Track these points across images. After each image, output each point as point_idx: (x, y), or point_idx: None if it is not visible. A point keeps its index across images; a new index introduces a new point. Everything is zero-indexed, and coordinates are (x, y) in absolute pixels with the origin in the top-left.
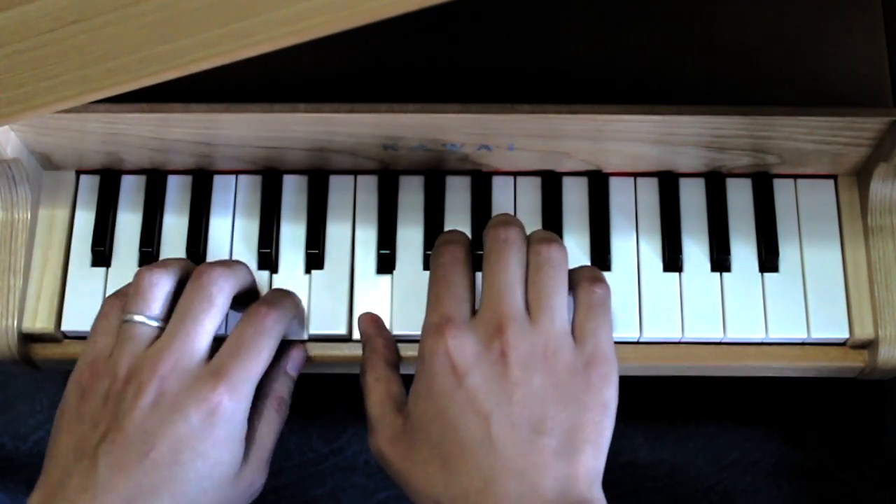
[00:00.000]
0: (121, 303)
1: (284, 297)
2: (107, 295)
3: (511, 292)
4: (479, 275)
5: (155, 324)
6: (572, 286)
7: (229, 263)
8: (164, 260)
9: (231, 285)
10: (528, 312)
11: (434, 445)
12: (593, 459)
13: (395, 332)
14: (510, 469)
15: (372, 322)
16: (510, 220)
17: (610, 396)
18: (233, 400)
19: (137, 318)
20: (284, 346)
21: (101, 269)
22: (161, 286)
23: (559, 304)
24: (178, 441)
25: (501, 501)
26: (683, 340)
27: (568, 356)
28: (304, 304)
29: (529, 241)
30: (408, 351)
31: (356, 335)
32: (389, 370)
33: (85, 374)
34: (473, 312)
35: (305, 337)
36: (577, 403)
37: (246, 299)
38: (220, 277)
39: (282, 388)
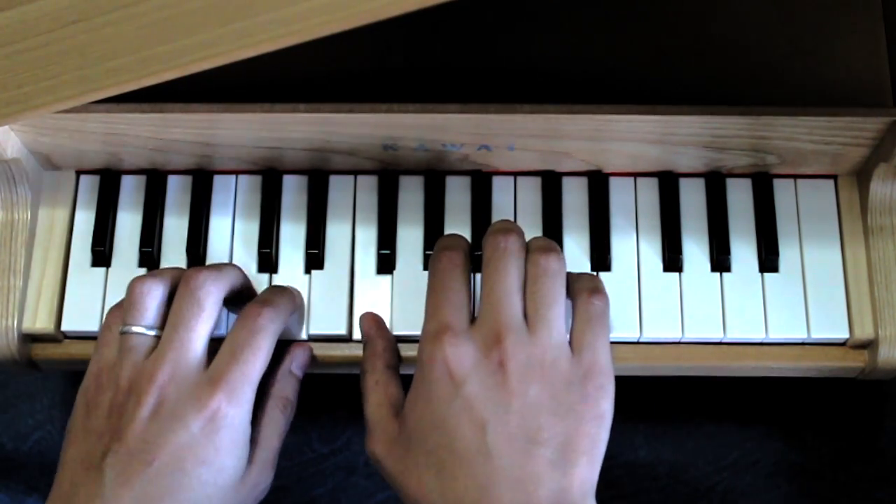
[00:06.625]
0: (122, 313)
1: (279, 294)
2: (107, 302)
3: (509, 301)
4: (477, 276)
5: (152, 333)
6: (571, 295)
7: (217, 266)
8: (156, 270)
9: (219, 288)
10: (526, 322)
11: (430, 453)
12: (588, 471)
13: (396, 332)
14: (506, 478)
15: (373, 323)
16: (510, 228)
17: (606, 408)
18: (232, 405)
19: (135, 328)
20: (288, 346)
21: (101, 269)
22: (153, 295)
23: (556, 314)
24: (179, 449)
25: None
26: (683, 340)
27: (565, 367)
28: (304, 304)
29: (528, 249)
30: (408, 351)
31: (356, 335)
32: (389, 373)
33: (91, 387)
34: (472, 318)
35: (305, 337)
36: (573, 415)
37: (244, 301)
38: (206, 281)
39: (287, 389)
